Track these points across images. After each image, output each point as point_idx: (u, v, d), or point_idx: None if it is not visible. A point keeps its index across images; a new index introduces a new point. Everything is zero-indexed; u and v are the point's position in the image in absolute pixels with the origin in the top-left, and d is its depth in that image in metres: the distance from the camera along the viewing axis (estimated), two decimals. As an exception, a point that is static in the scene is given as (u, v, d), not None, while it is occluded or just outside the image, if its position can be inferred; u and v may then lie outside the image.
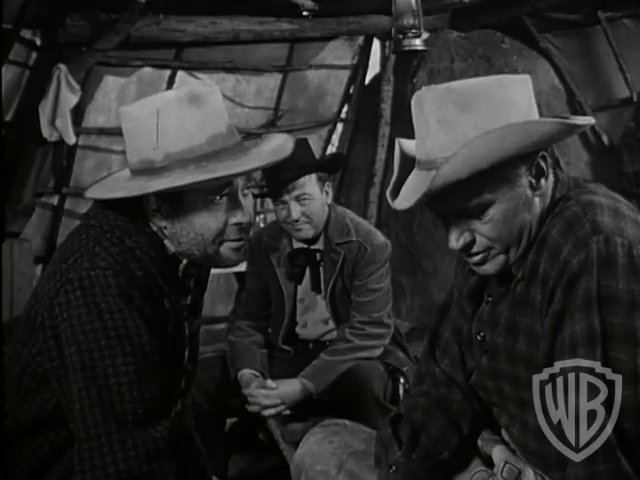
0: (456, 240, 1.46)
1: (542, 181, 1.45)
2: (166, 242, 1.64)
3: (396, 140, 1.62)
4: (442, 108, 1.41)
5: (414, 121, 1.48)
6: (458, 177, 1.37)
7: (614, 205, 1.42)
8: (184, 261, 1.68)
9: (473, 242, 1.46)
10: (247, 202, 1.64)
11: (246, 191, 1.65)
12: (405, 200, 1.48)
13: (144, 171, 1.57)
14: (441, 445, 1.60)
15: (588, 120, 1.49)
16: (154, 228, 1.63)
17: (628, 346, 1.31)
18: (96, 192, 1.66)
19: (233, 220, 1.61)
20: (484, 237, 1.45)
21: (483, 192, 1.41)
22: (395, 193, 1.54)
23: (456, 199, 1.42)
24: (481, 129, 1.38)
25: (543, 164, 1.44)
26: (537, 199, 1.46)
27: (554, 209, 1.45)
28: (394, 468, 1.59)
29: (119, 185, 1.62)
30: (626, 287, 1.32)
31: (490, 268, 1.49)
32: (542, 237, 1.44)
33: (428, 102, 1.43)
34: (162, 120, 1.55)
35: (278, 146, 1.66)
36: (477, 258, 1.48)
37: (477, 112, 1.40)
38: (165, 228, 1.62)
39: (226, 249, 1.64)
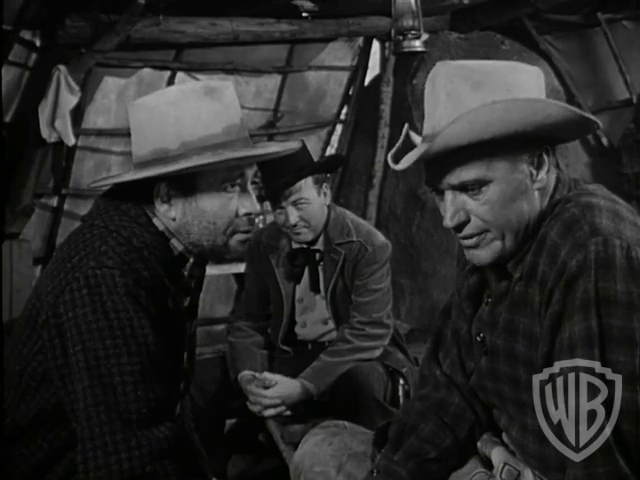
0: (451, 218, 1.45)
1: (542, 174, 1.45)
2: (173, 241, 1.65)
3: (405, 125, 1.62)
4: (453, 83, 1.42)
5: (425, 99, 1.49)
6: (459, 142, 1.38)
7: (613, 207, 1.42)
8: (191, 260, 1.69)
9: (467, 222, 1.45)
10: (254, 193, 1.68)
11: (252, 186, 1.68)
12: (405, 162, 1.48)
13: (157, 160, 1.59)
14: (429, 446, 1.61)
15: (594, 118, 1.47)
16: (160, 227, 1.64)
17: (626, 348, 1.31)
18: (108, 180, 1.68)
19: (243, 210, 1.64)
20: (479, 219, 1.44)
21: (482, 167, 1.41)
22: (396, 159, 1.54)
23: (455, 170, 1.41)
24: None
25: (545, 156, 1.44)
26: (537, 193, 1.46)
27: (553, 210, 1.45)
28: (375, 471, 1.61)
29: (127, 175, 1.63)
30: (624, 289, 1.32)
31: (485, 255, 1.47)
32: (541, 238, 1.43)
33: (440, 76, 1.44)
34: (179, 110, 1.58)
35: (283, 144, 1.74)
36: (471, 241, 1.47)
37: (486, 91, 1.41)
38: (174, 220, 1.63)
39: (235, 241, 1.66)
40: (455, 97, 1.42)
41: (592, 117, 1.46)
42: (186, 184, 1.60)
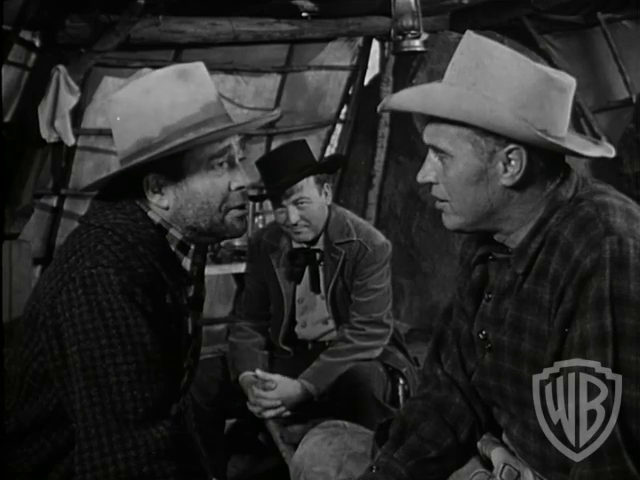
0: (422, 174, 1.52)
1: (512, 171, 1.45)
2: (171, 231, 1.65)
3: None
4: (463, 54, 1.48)
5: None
6: (412, 108, 1.50)
7: (626, 207, 1.42)
8: (192, 247, 1.69)
9: (437, 185, 1.51)
10: (243, 168, 1.69)
11: (241, 153, 1.68)
12: (380, 105, 1.61)
13: (142, 151, 1.59)
14: (430, 445, 1.61)
15: (572, 148, 1.47)
16: (157, 220, 1.64)
17: (638, 347, 1.31)
18: (97, 181, 1.69)
19: (235, 184, 1.64)
20: (443, 186, 1.50)
21: (447, 140, 1.47)
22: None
23: (431, 132, 1.49)
24: (473, 89, 1.44)
25: (516, 156, 1.44)
26: (502, 184, 1.46)
27: (558, 208, 1.45)
28: (375, 468, 1.61)
29: (117, 170, 1.63)
30: (638, 288, 1.32)
31: (448, 222, 1.54)
32: (553, 236, 1.43)
33: (462, 43, 1.49)
34: (155, 97, 1.58)
35: (263, 115, 1.78)
36: (438, 205, 1.54)
37: (483, 74, 1.44)
38: (167, 209, 1.63)
39: (231, 217, 1.66)
40: (459, 67, 1.48)
41: (569, 148, 1.46)
42: (174, 169, 1.61)
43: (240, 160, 1.67)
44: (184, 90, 1.59)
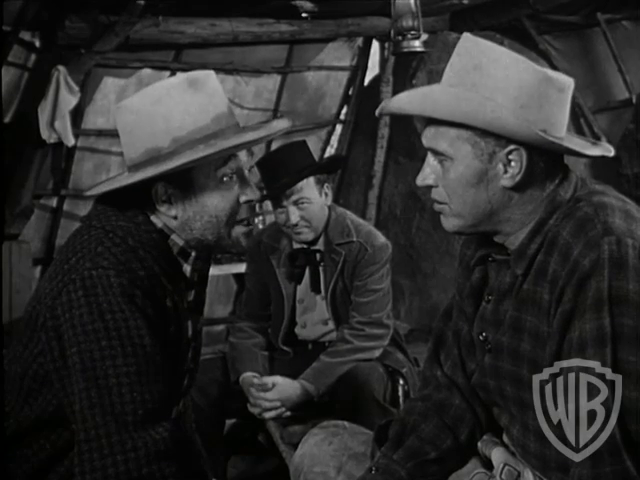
0: (421, 177, 1.52)
1: (510, 171, 1.45)
2: (173, 237, 1.64)
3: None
4: (460, 55, 1.48)
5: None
6: (411, 110, 1.50)
7: (625, 207, 1.42)
8: (193, 254, 1.68)
9: (436, 187, 1.51)
10: (252, 178, 1.68)
11: (250, 161, 1.67)
12: (377, 110, 1.57)
13: (151, 160, 1.58)
14: (429, 447, 1.61)
15: (572, 147, 1.47)
16: (159, 224, 1.63)
17: (637, 348, 1.32)
18: (102, 187, 1.67)
19: (244, 198, 1.64)
20: (442, 189, 1.50)
21: (447, 142, 1.46)
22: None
23: (430, 135, 1.49)
24: (472, 91, 1.44)
25: (517, 157, 1.44)
26: (503, 185, 1.46)
27: (557, 208, 1.45)
28: (374, 469, 1.61)
29: (123, 179, 1.62)
30: (636, 288, 1.32)
31: (447, 225, 1.54)
32: (552, 237, 1.43)
33: (460, 45, 1.49)
34: (165, 106, 1.57)
35: (273, 126, 1.69)
36: (437, 207, 1.54)
37: (481, 76, 1.44)
38: (175, 218, 1.62)
39: (236, 233, 1.66)
40: (457, 69, 1.48)
41: (570, 147, 1.46)
42: (183, 180, 1.59)
43: (249, 170, 1.66)
44: (195, 100, 1.58)
